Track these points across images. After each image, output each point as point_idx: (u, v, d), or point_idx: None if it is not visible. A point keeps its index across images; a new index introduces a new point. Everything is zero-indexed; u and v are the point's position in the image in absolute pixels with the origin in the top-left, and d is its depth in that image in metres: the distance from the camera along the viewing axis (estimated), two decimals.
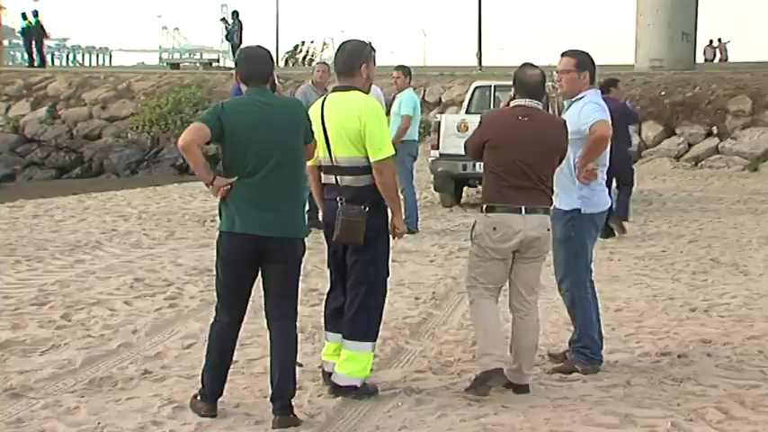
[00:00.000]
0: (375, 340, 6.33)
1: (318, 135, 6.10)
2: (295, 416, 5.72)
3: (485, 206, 6.31)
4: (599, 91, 7.07)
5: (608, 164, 6.95)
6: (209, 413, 5.79)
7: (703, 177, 22.38)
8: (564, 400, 6.12)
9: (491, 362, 6.14)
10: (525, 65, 6.62)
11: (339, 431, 5.59)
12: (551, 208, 6.48)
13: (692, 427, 5.64)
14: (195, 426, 5.58)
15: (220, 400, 5.84)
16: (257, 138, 5.72)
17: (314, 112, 6.19)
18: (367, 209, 6.05)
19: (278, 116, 5.80)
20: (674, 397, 6.19)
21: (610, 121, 6.74)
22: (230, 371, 6.03)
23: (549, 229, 6.38)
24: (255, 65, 5.92)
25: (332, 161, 6.15)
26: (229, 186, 5.70)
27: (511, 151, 6.20)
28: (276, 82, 6.08)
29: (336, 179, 6.16)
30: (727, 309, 8.85)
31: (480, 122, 6.52)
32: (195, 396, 5.93)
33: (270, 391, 5.79)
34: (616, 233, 12.77)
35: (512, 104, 6.47)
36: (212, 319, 5.98)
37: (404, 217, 12.34)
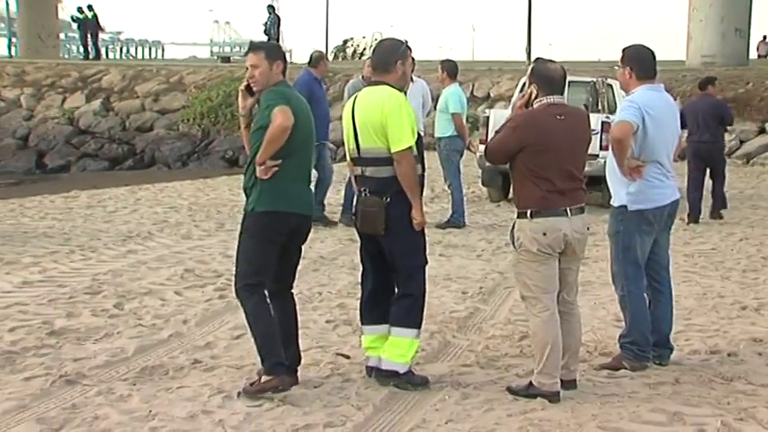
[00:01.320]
0: (418, 328, 6.34)
1: (350, 128, 6.23)
2: (298, 381, 6.13)
3: (529, 212, 6.04)
4: (659, 86, 6.91)
5: (667, 161, 6.82)
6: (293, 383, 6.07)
7: (755, 174, 22.13)
8: (611, 396, 6.09)
9: (552, 384, 6.01)
10: (543, 60, 6.43)
11: (386, 422, 5.59)
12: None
13: (743, 426, 5.59)
14: (244, 416, 5.61)
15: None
16: (304, 118, 6.12)
17: (347, 108, 6.33)
18: (389, 200, 6.10)
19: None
20: (723, 396, 6.14)
21: (631, 122, 6.51)
22: None
23: (588, 228, 6.34)
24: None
25: (359, 153, 6.22)
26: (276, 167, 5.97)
27: (555, 154, 5.99)
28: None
29: (362, 170, 6.23)
30: None
31: (512, 125, 6.15)
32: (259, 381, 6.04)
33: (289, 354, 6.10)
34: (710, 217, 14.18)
35: (543, 103, 6.12)
36: (249, 297, 6.08)
37: (452, 212, 12.42)
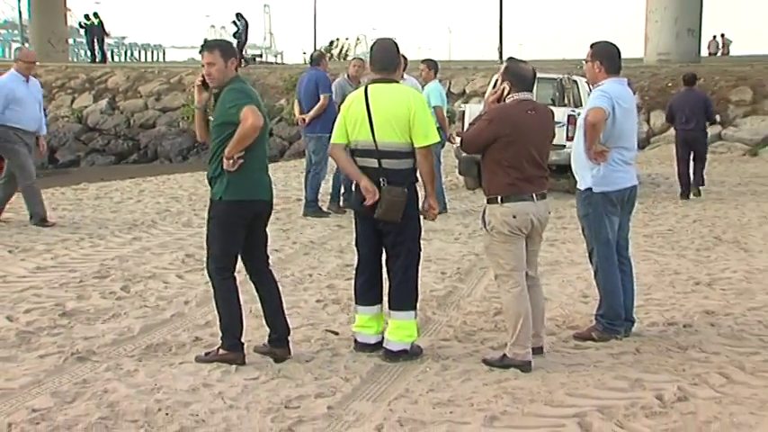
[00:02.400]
0: (416, 308, 6.40)
1: (363, 121, 6.16)
2: (290, 352, 6.23)
3: (499, 198, 6.11)
4: (623, 80, 6.91)
5: (631, 148, 6.81)
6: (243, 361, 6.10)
7: (707, 162, 22.17)
8: (578, 366, 6.11)
9: (525, 354, 6.07)
10: (515, 60, 6.50)
11: (372, 392, 5.59)
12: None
13: (697, 390, 5.61)
14: (242, 388, 5.60)
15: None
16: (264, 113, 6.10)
17: (356, 101, 6.24)
18: (406, 190, 6.11)
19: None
20: (679, 363, 6.17)
21: (605, 108, 6.54)
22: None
23: (549, 211, 6.45)
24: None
25: (375, 145, 6.15)
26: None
27: (525, 145, 6.07)
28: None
29: (379, 162, 6.16)
30: (728, 282, 8.81)
31: (487, 118, 6.19)
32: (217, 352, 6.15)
33: (272, 333, 6.27)
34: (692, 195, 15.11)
35: (515, 99, 6.19)
36: (220, 278, 6.14)
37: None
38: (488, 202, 6.22)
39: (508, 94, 6.22)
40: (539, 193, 6.19)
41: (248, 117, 5.87)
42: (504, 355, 6.12)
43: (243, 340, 6.19)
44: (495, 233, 6.14)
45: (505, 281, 6.16)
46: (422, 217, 6.35)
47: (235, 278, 6.19)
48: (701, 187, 15.68)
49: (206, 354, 6.22)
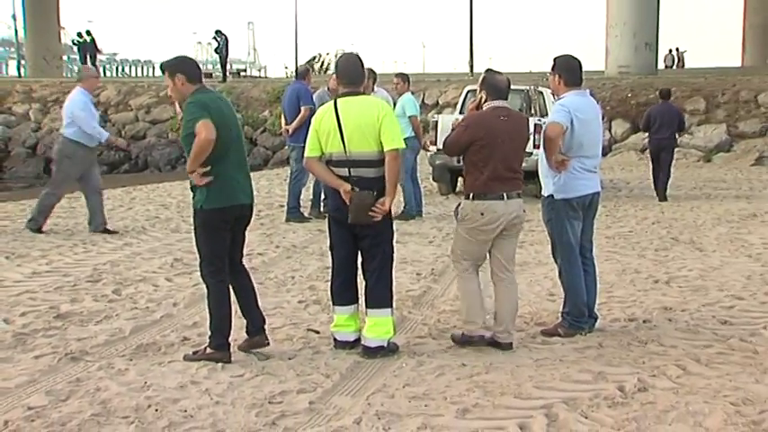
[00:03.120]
0: (392, 306, 6.39)
1: (334, 133, 6.13)
2: (267, 339, 6.30)
3: (471, 195, 6.34)
4: (585, 92, 6.91)
5: (593, 156, 6.82)
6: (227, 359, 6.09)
7: (672, 168, 22.29)
8: (545, 360, 6.12)
9: (476, 329, 6.37)
10: (492, 71, 6.66)
11: (351, 388, 5.58)
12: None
13: (656, 381, 5.63)
14: (227, 385, 5.58)
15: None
16: (228, 118, 6.12)
17: (327, 114, 6.23)
18: (376, 194, 6.10)
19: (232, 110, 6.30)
20: (639, 356, 6.20)
21: (562, 123, 6.55)
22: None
23: (524, 210, 6.53)
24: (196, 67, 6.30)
25: (346, 155, 6.13)
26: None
27: (498, 148, 6.24)
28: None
29: (349, 171, 6.15)
30: (685, 280, 8.85)
31: (464, 124, 6.42)
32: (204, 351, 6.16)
33: (251, 326, 6.29)
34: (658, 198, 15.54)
35: (490, 106, 6.40)
36: (214, 281, 6.17)
37: (404, 204, 12.42)
38: (464, 198, 6.45)
39: (485, 101, 6.45)
40: (511, 192, 6.35)
41: (201, 131, 5.81)
42: (462, 333, 6.44)
43: (230, 340, 6.18)
44: (462, 224, 6.43)
45: (456, 266, 6.57)
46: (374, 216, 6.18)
47: (225, 279, 6.20)
48: (666, 192, 15.89)
49: (194, 353, 6.20)
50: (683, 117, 17.13)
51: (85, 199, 11.96)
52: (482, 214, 6.28)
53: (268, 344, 6.31)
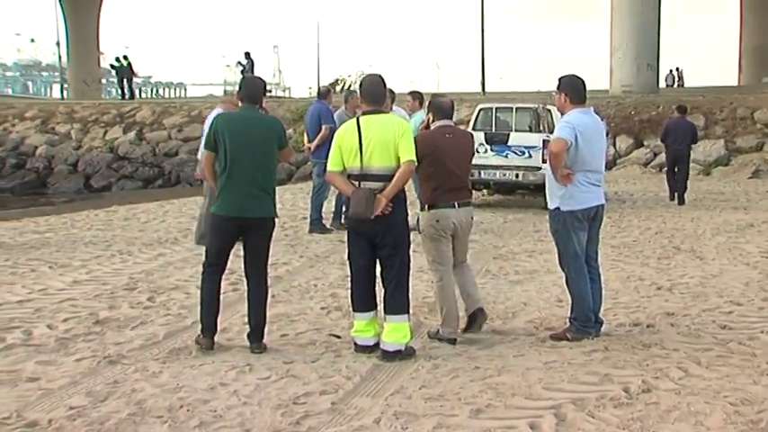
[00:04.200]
0: (409, 312, 6.40)
1: (353, 147, 6.15)
2: (264, 343, 6.45)
3: (426, 206, 6.64)
4: (588, 109, 6.90)
5: (596, 170, 6.79)
6: (210, 345, 6.39)
7: (666, 180, 22.24)
8: (554, 363, 6.09)
9: (450, 333, 6.68)
10: (438, 95, 7.07)
11: (371, 389, 5.57)
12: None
13: (659, 383, 5.60)
14: (254, 387, 5.57)
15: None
16: (240, 142, 6.30)
17: (348, 130, 6.25)
18: (392, 205, 6.12)
19: (257, 127, 6.41)
20: (643, 359, 6.16)
21: (566, 139, 6.55)
22: (282, 342, 6.20)
23: (473, 216, 6.93)
24: (250, 89, 6.57)
25: (362, 169, 6.14)
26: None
27: (444, 162, 6.47)
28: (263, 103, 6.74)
29: (359, 184, 6.18)
30: (686, 287, 8.79)
31: (415, 144, 6.39)
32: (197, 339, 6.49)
33: (249, 327, 6.49)
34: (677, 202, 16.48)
35: (437, 125, 6.77)
36: (203, 271, 6.58)
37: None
38: (420, 210, 6.74)
39: (433, 121, 6.83)
40: (461, 201, 6.70)
41: (204, 160, 6.51)
42: (438, 330, 6.73)
43: (218, 328, 6.53)
44: (425, 233, 6.71)
45: (433, 272, 6.84)
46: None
47: (214, 273, 6.50)
48: (684, 195, 16.81)
49: (196, 339, 6.50)
50: (696, 130, 18.03)
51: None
52: (437, 221, 6.58)
53: (265, 349, 6.40)
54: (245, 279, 6.63)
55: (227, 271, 6.64)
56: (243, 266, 6.60)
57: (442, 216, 6.60)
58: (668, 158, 17.71)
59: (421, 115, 13.29)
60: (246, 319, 6.60)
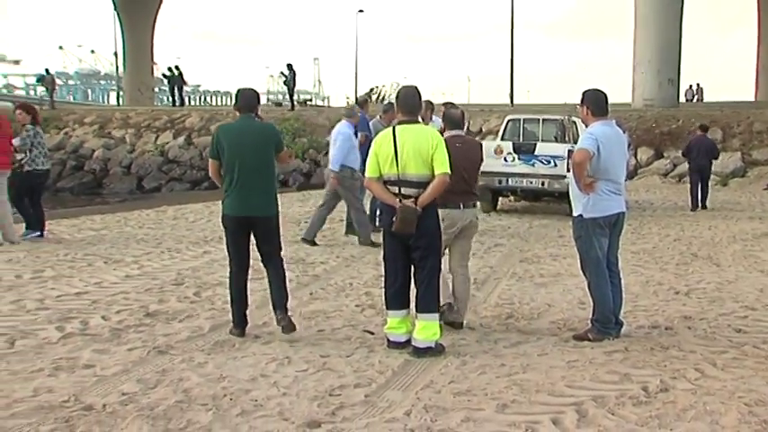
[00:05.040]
0: (439, 311, 6.37)
1: (389, 155, 6.15)
2: (289, 315, 6.65)
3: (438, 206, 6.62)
4: (611, 121, 6.86)
5: (617, 179, 6.73)
6: (240, 333, 6.66)
7: (685, 190, 21.89)
8: (576, 362, 6.04)
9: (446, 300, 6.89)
10: (449, 104, 7.27)
11: (402, 383, 5.55)
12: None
13: (676, 383, 5.53)
14: (293, 378, 5.58)
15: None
16: (239, 148, 6.52)
17: (385, 138, 6.24)
18: (419, 210, 6.08)
19: (253, 134, 6.63)
20: (661, 360, 6.09)
21: (589, 149, 6.50)
22: (319, 337, 6.09)
23: (477, 217, 7.16)
24: (245, 100, 6.73)
25: (398, 176, 6.13)
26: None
27: (455, 168, 6.39)
28: (258, 113, 7.01)
29: (399, 189, 6.15)
30: (703, 292, 8.69)
31: None
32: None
33: (272, 306, 6.70)
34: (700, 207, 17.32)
35: (448, 135, 6.93)
36: (229, 268, 6.82)
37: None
38: None
39: (444, 131, 7.02)
40: (467, 203, 6.94)
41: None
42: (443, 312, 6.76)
43: (248, 321, 6.76)
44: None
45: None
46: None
47: (237, 269, 6.73)
48: (706, 203, 17.71)
49: (230, 330, 6.72)
50: (717, 147, 18.90)
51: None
52: (443, 220, 6.57)
53: (285, 325, 6.58)
54: (263, 264, 6.85)
55: (261, 273, 6.66)
56: (261, 256, 6.82)
57: (449, 216, 6.75)
58: (692, 172, 18.16)
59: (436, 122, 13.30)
60: (271, 305, 6.78)
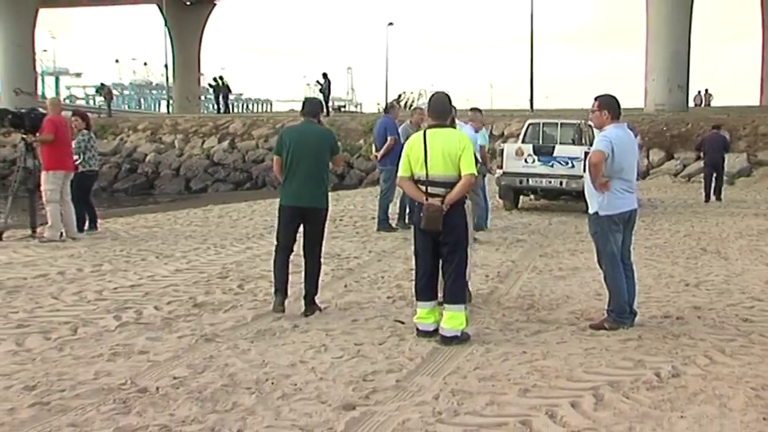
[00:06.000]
0: (465, 302, 6.34)
1: (419, 157, 6.14)
2: (314, 307, 7.07)
3: None
4: (623, 124, 6.81)
5: (630, 178, 6.67)
6: (280, 307, 6.99)
7: (694, 189, 21.80)
8: (593, 349, 5.99)
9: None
10: (475, 109, 7.27)
11: (431, 368, 5.54)
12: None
13: (687, 369, 5.47)
14: (329, 364, 5.59)
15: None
16: (299, 148, 6.96)
17: (417, 142, 6.22)
18: (445, 208, 6.06)
19: (313, 136, 7.07)
20: (673, 348, 6.03)
21: (604, 151, 6.45)
22: (353, 326, 6.09)
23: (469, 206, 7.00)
24: (310, 106, 7.26)
25: (427, 176, 6.12)
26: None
27: None
28: (320, 118, 7.47)
29: (426, 188, 6.14)
30: (712, 284, 8.59)
31: None
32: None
33: (304, 293, 7.12)
34: (715, 198, 18.25)
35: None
36: (275, 250, 7.22)
37: (473, 218, 12.50)
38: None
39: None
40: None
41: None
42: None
43: (288, 292, 7.10)
44: None
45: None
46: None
47: (281, 252, 7.09)
48: (721, 196, 18.52)
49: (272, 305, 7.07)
50: (728, 141, 19.75)
51: None
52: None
53: (320, 311, 7.05)
54: (302, 258, 7.15)
55: (300, 267, 6.70)
56: (302, 248, 7.16)
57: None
58: (706, 166, 18.78)
59: (482, 130, 13.23)
60: (303, 294, 7.15)
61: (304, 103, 7.39)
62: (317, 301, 7.17)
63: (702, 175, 19.32)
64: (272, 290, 7.20)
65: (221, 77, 41.31)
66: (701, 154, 19.38)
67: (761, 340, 6.25)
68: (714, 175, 18.54)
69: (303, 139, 7.01)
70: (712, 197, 18.47)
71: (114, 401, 4.78)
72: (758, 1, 46.44)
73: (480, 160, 12.94)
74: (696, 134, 25.42)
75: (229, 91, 42.34)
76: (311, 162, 6.96)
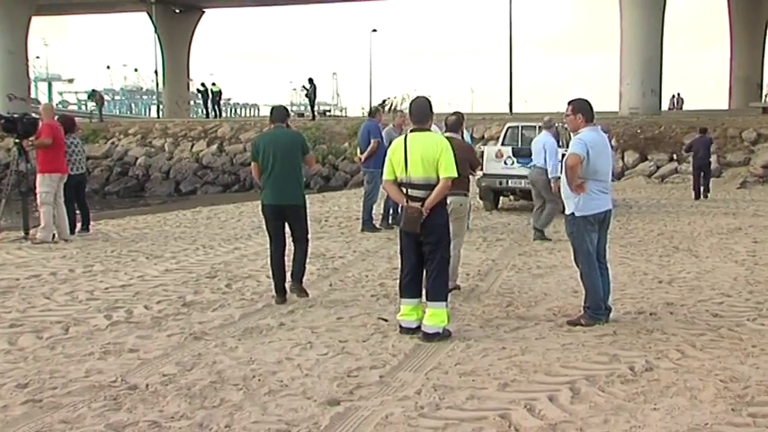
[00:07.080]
0: (447, 300, 6.34)
1: (401, 160, 6.15)
2: (303, 287, 7.56)
3: None
4: (597, 127, 6.82)
5: (605, 179, 6.70)
6: (281, 301, 7.39)
7: (667, 189, 21.95)
8: (570, 344, 6.01)
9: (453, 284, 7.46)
10: (455, 113, 7.87)
11: (413, 365, 5.54)
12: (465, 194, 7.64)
13: (659, 363, 5.50)
14: (314, 361, 5.58)
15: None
16: (273, 151, 7.38)
17: (398, 145, 6.24)
18: (423, 210, 6.08)
19: (284, 139, 7.51)
20: (646, 342, 6.06)
21: (580, 154, 6.46)
22: (338, 324, 6.04)
23: (462, 204, 7.60)
24: (278, 113, 7.69)
25: (407, 178, 6.13)
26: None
27: None
28: (289, 123, 7.89)
29: (406, 190, 6.16)
30: (684, 281, 8.63)
31: None
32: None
33: (291, 275, 7.53)
34: (703, 197, 18.81)
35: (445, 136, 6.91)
36: (270, 247, 7.59)
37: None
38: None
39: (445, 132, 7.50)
40: (453, 192, 6.74)
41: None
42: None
43: (286, 290, 7.49)
44: None
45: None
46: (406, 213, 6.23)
47: (274, 246, 7.52)
48: (708, 193, 19.18)
49: (275, 300, 7.43)
50: (712, 141, 20.49)
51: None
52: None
53: (298, 291, 7.50)
54: (293, 244, 7.64)
55: (287, 267, 6.70)
56: (293, 239, 7.65)
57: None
58: (695, 167, 19.40)
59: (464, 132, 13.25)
60: (290, 274, 7.54)
61: (272, 110, 7.81)
62: (303, 281, 7.62)
63: (692, 174, 19.88)
64: (272, 288, 7.56)
65: (213, 83, 41.21)
66: (691, 155, 19.97)
67: (730, 334, 6.29)
68: (702, 174, 19.22)
69: (276, 143, 7.45)
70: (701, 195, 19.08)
71: (105, 398, 4.75)
72: (726, 10, 46.89)
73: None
74: (668, 137, 25.60)
75: (220, 97, 42.20)
76: (286, 162, 7.41)
